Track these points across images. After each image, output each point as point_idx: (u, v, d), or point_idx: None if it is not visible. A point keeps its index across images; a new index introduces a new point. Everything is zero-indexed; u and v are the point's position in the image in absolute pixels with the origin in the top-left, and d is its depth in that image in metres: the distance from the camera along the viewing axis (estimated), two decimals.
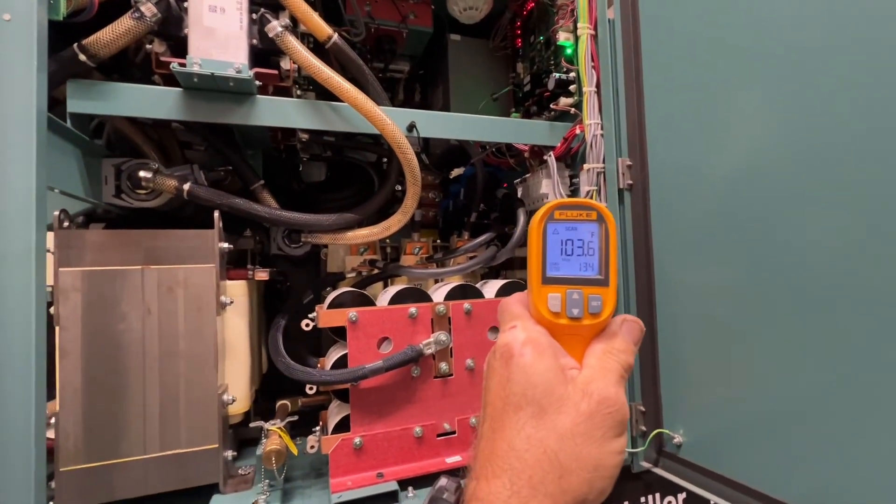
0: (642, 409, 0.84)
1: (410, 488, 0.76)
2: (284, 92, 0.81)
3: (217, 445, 0.73)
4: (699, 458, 0.75)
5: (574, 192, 0.99)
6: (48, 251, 0.70)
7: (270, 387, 1.08)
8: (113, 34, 0.66)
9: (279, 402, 0.96)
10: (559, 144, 0.95)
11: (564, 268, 0.39)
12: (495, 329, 0.87)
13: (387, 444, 0.78)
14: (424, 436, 0.81)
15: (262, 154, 1.05)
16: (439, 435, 0.82)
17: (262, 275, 0.86)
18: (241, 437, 0.91)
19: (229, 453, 0.77)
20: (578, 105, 0.92)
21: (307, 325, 0.80)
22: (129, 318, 0.70)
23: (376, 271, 1.03)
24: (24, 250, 0.54)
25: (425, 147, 1.03)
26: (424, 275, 0.99)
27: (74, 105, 0.65)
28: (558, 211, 0.39)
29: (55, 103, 0.66)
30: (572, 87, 0.94)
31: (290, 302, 0.96)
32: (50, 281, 0.70)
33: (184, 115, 0.70)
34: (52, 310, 0.68)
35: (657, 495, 0.91)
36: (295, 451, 0.76)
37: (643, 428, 0.84)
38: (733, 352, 0.69)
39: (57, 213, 0.68)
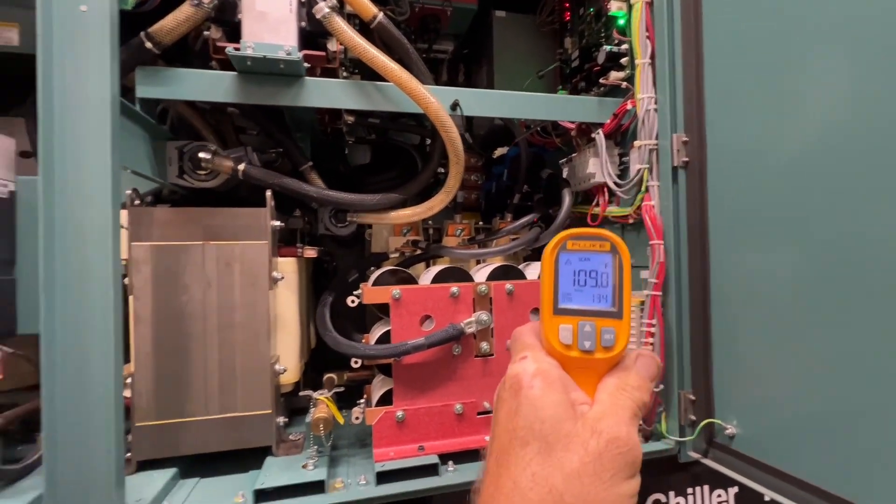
0: (692, 397, 0.81)
1: (451, 462, 0.77)
2: (331, 73, 0.82)
3: (270, 411, 0.78)
4: (755, 451, 0.71)
5: (624, 171, 0.95)
6: (122, 227, 0.77)
7: (317, 361, 1.13)
8: (175, 21, 0.69)
9: (326, 376, 1.00)
10: (609, 121, 0.91)
11: (577, 299, 0.38)
12: (537, 311, 0.86)
13: (428, 419, 0.80)
14: (465, 413, 0.82)
15: (311, 138, 1.08)
16: (479, 413, 0.83)
17: (311, 252, 0.90)
18: (292, 406, 0.97)
19: (281, 419, 0.82)
20: (630, 79, 0.87)
21: (352, 301, 0.83)
22: (192, 289, 0.75)
23: (419, 252, 1.04)
24: (102, 225, 0.59)
25: (468, 128, 1.02)
26: (466, 255, 0.99)
27: (143, 91, 0.70)
28: (571, 241, 0.38)
29: (125, 91, 0.71)
30: (624, 60, 0.89)
31: (336, 280, 1.00)
32: (124, 254, 0.76)
33: (238, 98, 0.73)
34: (125, 280, 0.75)
35: (705, 488, 0.87)
36: (341, 420, 0.80)
37: (692, 417, 0.81)
38: (798, 343, 0.65)
39: (129, 191, 0.74)
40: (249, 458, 0.79)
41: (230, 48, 0.69)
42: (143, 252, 0.74)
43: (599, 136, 0.91)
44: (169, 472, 0.73)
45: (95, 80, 0.59)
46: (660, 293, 0.80)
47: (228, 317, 0.76)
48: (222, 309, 0.76)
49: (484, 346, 0.83)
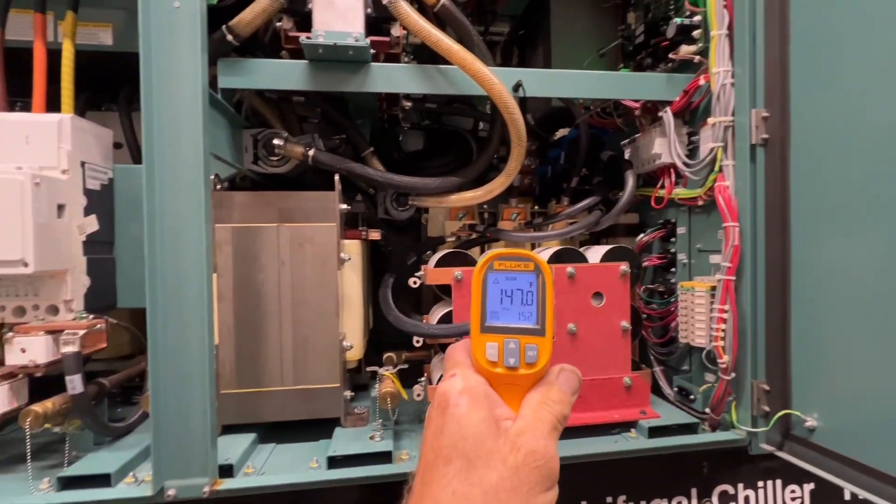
0: (766, 387, 0.77)
1: None
2: (394, 59, 0.84)
3: (339, 385, 0.82)
4: (839, 445, 0.67)
5: (693, 150, 0.90)
6: None
7: (374, 342, 1.17)
8: (252, 13, 0.73)
9: (386, 355, 1.04)
10: (678, 98, 0.86)
11: (504, 317, 0.39)
12: (599, 295, 0.85)
13: None
14: None
15: (370, 127, 1.11)
16: None
17: (375, 234, 0.93)
18: (355, 382, 1.01)
19: (348, 393, 0.86)
20: (704, 52, 0.83)
21: (414, 282, 0.85)
22: (267, 269, 0.80)
23: (475, 235, 1.05)
24: (195, 207, 0.64)
25: (523, 110, 1.01)
26: (523, 239, 0.99)
27: (225, 81, 0.75)
28: (498, 261, 0.39)
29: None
30: (696, 33, 0.85)
31: (394, 261, 1.03)
32: None
33: (310, 85, 0.76)
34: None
35: (778, 482, 0.83)
36: (405, 395, 0.83)
37: (766, 408, 0.77)
38: (891, 333, 0.60)
39: (212, 177, 0.79)
40: (318, 429, 0.84)
41: (303, 37, 0.72)
42: (224, 233, 0.79)
43: (667, 114, 0.87)
44: (249, 437, 0.79)
45: (188, 72, 0.63)
46: (733, 278, 0.77)
47: (301, 295, 0.81)
48: (295, 287, 0.81)
49: None
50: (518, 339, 0.38)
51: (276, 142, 0.82)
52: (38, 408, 0.67)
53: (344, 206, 0.83)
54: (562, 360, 0.83)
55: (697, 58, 0.83)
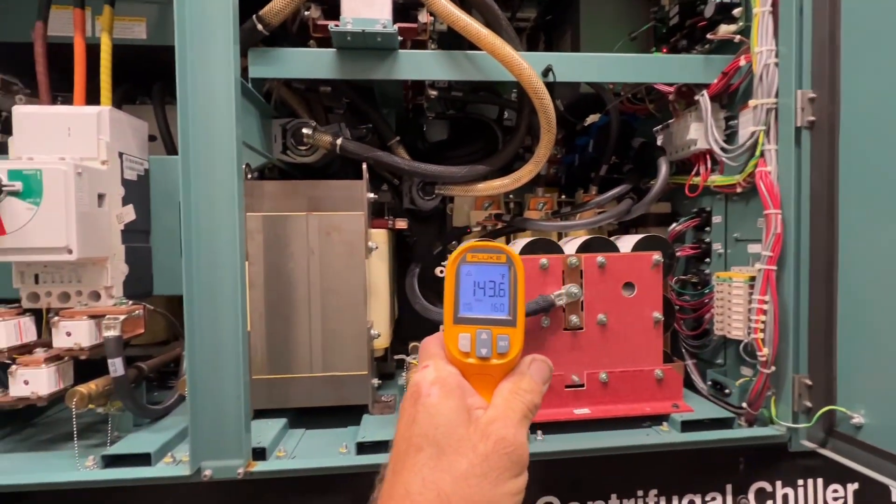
0: (808, 382, 0.74)
1: (539, 432, 0.78)
2: (421, 46, 0.83)
3: (367, 372, 0.83)
4: (890, 443, 0.64)
5: (730, 135, 0.87)
6: None
7: (399, 332, 1.18)
8: (282, 3, 0.73)
9: (412, 344, 1.04)
10: (716, 81, 0.83)
11: (476, 308, 0.39)
12: (630, 285, 0.83)
13: None
14: (553, 385, 0.81)
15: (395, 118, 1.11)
16: (567, 386, 0.82)
17: (402, 223, 0.93)
18: (382, 370, 1.02)
19: (375, 381, 0.87)
20: (745, 31, 0.79)
21: (441, 271, 0.85)
22: (297, 257, 0.81)
23: (501, 225, 1.03)
24: (228, 195, 0.65)
25: (552, 97, 0.98)
26: (550, 228, 0.97)
27: (255, 71, 0.76)
28: (471, 254, 0.40)
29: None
30: (737, 11, 0.81)
31: (420, 252, 1.03)
32: None
33: (339, 74, 0.76)
34: None
35: (819, 481, 0.80)
36: None
37: (808, 403, 0.74)
38: None
39: (243, 166, 0.80)
40: (346, 415, 0.85)
41: (331, 25, 0.72)
42: (255, 222, 0.80)
43: (704, 97, 0.84)
44: (280, 422, 0.81)
45: (221, 62, 0.64)
46: (774, 267, 0.73)
47: (329, 283, 0.82)
48: (324, 276, 0.81)
49: (573, 319, 0.81)
50: (490, 330, 0.38)
51: (304, 131, 0.83)
52: (83, 389, 0.70)
53: (371, 195, 0.83)
54: (592, 352, 0.81)
55: (738, 37, 0.79)
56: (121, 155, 0.80)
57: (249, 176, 0.81)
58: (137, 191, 0.83)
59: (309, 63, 0.76)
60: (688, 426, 0.79)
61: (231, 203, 0.65)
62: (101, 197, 0.76)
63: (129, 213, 0.82)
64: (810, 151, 0.72)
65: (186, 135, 0.64)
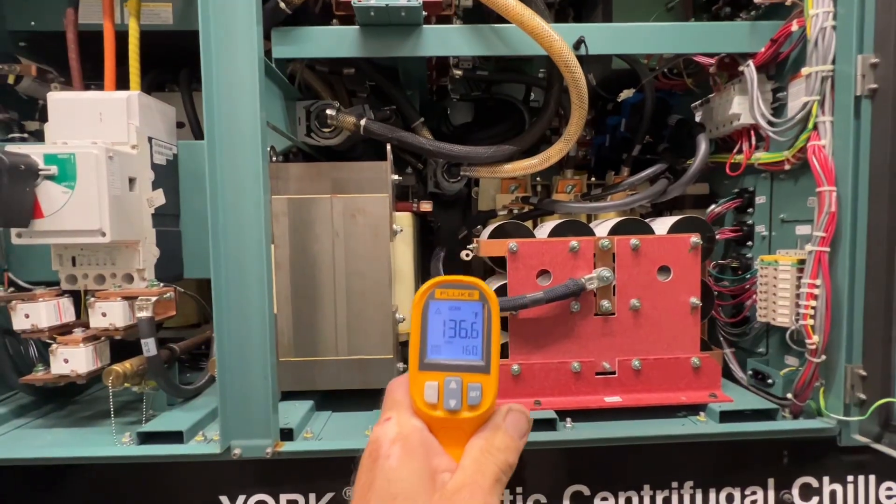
0: (862, 373, 0.69)
1: (569, 419, 0.75)
2: (445, 21, 0.80)
3: (392, 356, 0.82)
4: None
5: (778, 108, 0.81)
6: None
7: None
8: None
9: None
10: (764, 49, 0.77)
11: (446, 351, 0.36)
12: (666, 269, 0.79)
13: (544, 375, 0.79)
14: (582, 372, 0.79)
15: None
16: (598, 373, 0.79)
17: (426, 206, 0.91)
18: (407, 355, 1.02)
19: (401, 365, 0.86)
20: None
21: (467, 255, 0.83)
22: (322, 239, 0.81)
23: (528, 208, 1.00)
24: (254, 177, 0.65)
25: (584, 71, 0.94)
26: (581, 210, 0.93)
27: (279, 51, 0.75)
28: (440, 289, 0.36)
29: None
30: None
31: (444, 235, 1.01)
32: None
33: (364, 52, 0.75)
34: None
35: (871, 478, 0.75)
36: None
37: (861, 395, 0.69)
38: None
39: (268, 148, 0.80)
40: (372, 399, 0.84)
41: (355, 0, 0.70)
42: (280, 204, 0.80)
43: (750, 68, 0.78)
44: (307, 404, 0.82)
45: (245, 42, 0.63)
46: (827, 249, 0.68)
47: (354, 266, 0.81)
48: (349, 258, 0.81)
49: (605, 304, 0.78)
50: (460, 378, 0.35)
51: (328, 112, 0.82)
52: (118, 368, 0.72)
53: (396, 177, 0.82)
54: (625, 338, 0.78)
55: (789, 0, 0.73)
56: (150, 139, 0.81)
57: (274, 159, 0.81)
58: (167, 175, 0.84)
59: (332, 41, 0.75)
60: (727, 416, 0.75)
61: (256, 184, 0.64)
62: (131, 181, 0.77)
63: (159, 197, 0.83)
64: (871, 123, 0.66)
65: (212, 117, 0.64)
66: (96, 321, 0.73)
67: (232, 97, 0.63)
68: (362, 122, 0.82)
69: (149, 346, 0.72)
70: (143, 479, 0.72)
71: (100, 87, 0.82)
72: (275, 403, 0.67)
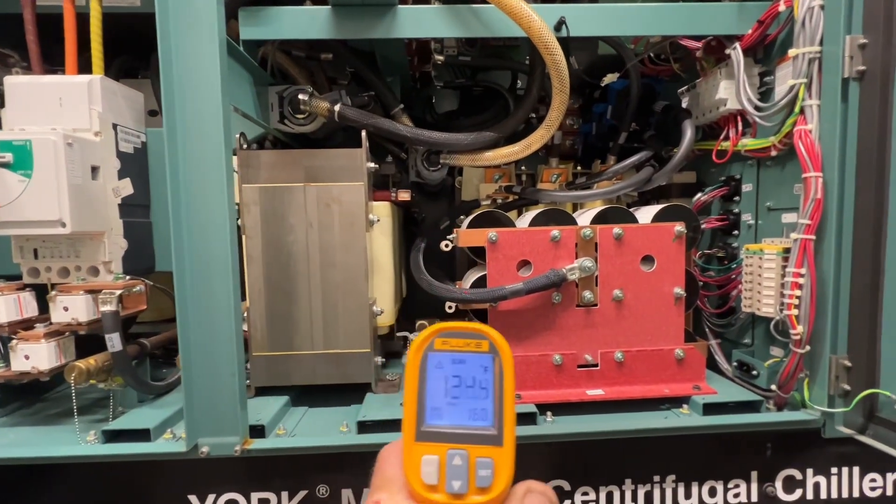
0: (847, 363, 0.67)
1: (549, 413, 0.74)
2: (422, 1, 0.77)
3: (369, 350, 0.80)
4: None
5: (765, 93, 0.78)
6: (234, 171, 0.80)
7: (408, 310, 1.15)
8: None
9: (418, 322, 1.01)
10: (750, 31, 0.74)
11: (448, 415, 0.29)
12: (650, 259, 0.77)
13: (524, 368, 0.77)
14: (564, 364, 0.77)
15: (400, 85, 1.05)
16: (580, 366, 0.78)
17: (405, 195, 0.88)
18: (387, 349, 0.99)
19: (379, 359, 0.84)
20: None
21: (446, 245, 0.80)
22: (296, 230, 0.78)
23: (512, 198, 0.98)
24: (216, 162, 0.62)
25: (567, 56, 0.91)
26: (565, 199, 0.91)
27: (246, 32, 0.71)
28: (441, 339, 0.30)
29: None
30: None
31: (426, 226, 0.98)
32: (236, 198, 0.81)
33: (335, 33, 0.71)
34: (239, 222, 0.79)
35: (855, 469, 0.74)
36: None
37: (846, 387, 0.68)
38: None
39: (237, 135, 0.77)
40: (350, 394, 0.82)
41: None
42: (252, 193, 0.77)
43: (736, 50, 0.76)
44: (282, 400, 0.79)
45: (205, 23, 0.60)
46: (812, 237, 0.66)
47: (329, 257, 0.78)
48: (324, 249, 0.78)
49: (587, 294, 0.76)
50: (466, 451, 0.28)
51: (301, 97, 0.79)
52: (81, 364, 0.69)
53: (371, 165, 0.79)
54: (607, 330, 0.75)
55: None
56: (115, 126, 0.77)
57: (245, 146, 0.78)
58: (135, 164, 0.81)
59: (303, 22, 0.72)
60: (710, 409, 0.73)
61: (220, 173, 0.61)
62: (94, 169, 0.74)
63: (127, 187, 0.79)
64: (858, 106, 0.64)
65: (171, 101, 0.60)
66: (58, 316, 0.70)
67: (192, 80, 0.60)
68: (336, 107, 0.78)
69: (113, 342, 0.69)
70: (110, 479, 0.70)
71: (64, 72, 0.78)
72: (243, 399, 0.64)
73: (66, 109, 0.73)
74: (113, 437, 0.69)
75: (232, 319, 0.63)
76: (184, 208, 0.62)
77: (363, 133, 0.78)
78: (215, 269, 0.62)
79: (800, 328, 0.67)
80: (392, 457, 0.31)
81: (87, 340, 0.75)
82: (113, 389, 0.75)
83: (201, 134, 0.61)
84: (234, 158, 0.78)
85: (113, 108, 0.77)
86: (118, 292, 0.70)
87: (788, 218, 0.76)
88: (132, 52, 0.97)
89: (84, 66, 0.77)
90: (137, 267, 0.80)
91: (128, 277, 0.75)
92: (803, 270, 0.67)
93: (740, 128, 0.82)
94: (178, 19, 0.60)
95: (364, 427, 0.70)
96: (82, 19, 0.76)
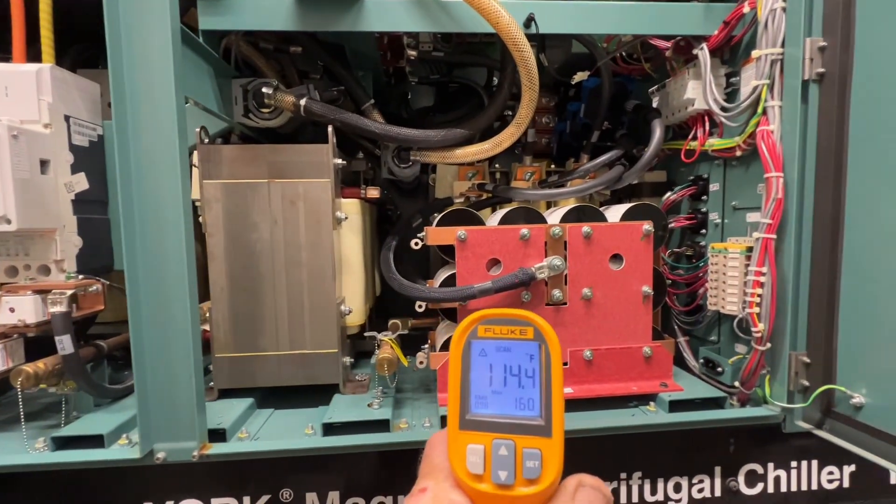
0: (806, 360, 0.69)
1: None
2: None
3: (337, 350, 0.78)
4: (892, 425, 0.59)
5: (731, 94, 0.79)
6: (194, 166, 0.78)
7: (382, 310, 1.13)
8: None
9: (391, 321, 1.00)
10: (716, 32, 0.75)
11: (494, 404, 0.29)
12: (618, 257, 0.77)
13: None
14: None
15: (373, 80, 1.03)
16: None
17: (374, 192, 0.87)
18: (358, 349, 0.98)
19: (347, 359, 0.82)
20: None
21: (416, 243, 0.79)
22: (260, 228, 0.76)
23: (486, 196, 0.97)
24: (170, 158, 0.59)
25: (540, 53, 0.90)
26: (537, 197, 0.91)
27: (206, 22, 0.68)
28: (483, 326, 0.29)
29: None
30: None
31: (399, 224, 0.97)
32: (196, 195, 0.78)
33: (299, 25, 0.69)
34: (201, 219, 0.77)
35: (814, 463, 0.76)
36: (405, 361, 0.78)
37: (804, 382, 0.69)
38: None
39: (198, 129, 0.74)
40: (318, 395, 0.81)
41: None
42: (213, 190, 0.75)
43: (703, 51, 0.76)
44: (246, 402, 0.77)
45: (156, 5, 0.57)
46: (773, 236, 0.67)
47: (295, 255, 0.76)
48: (289, 247, 0.76)
49: (556, 293, 0.76)
50: (512, 441, 0.27)
51: (265, 90, 0.76)
52: (29, 368, 0.66)
53: (339, 161, 0.77)
54: (576, 328, 0.75)
55: None
56: (67, 118, 0.74)
57: (206, 140, 0.75)
58: (90, 158, 0.77)
59: (265, 12, 0.69)
60: (676, 406, 0.74)
61: (174, 168, 0.59)
62: (44, 163, 0.70)
63: (81, 182, 0.76)
64: (818, 108, 0.65)
65: (121, 92, 0.58)
66: (4, 317, 0.66)
67: (144, 69, 0.57)
68: (302, 102, 0.76)
69: (64, 344, 0.66)
70: (63, 487, 0.67)
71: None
72: (200, 402, 0.62)
73: (13, 99, 0.70)
74: (64, 443, 0.66)
75: (188, 319, 0.60)
76: (136, 203, 0.59)
77: (330, 128, 0.76)
78: (170, 268, 0.60)
79: (761, 325, 0.68)
80: (440, 444, 0.30)
81: (42, 343, 0.72)
82: (65, 394, 0.72)
83: (153, 126, 0.58)
84: (195, 153, 0.75)
85: (65, 98, 0.74)
86: (69, 292, 0.67)
87: (753, 217, 0.77)
88: (92, 40, 0.93)
89: (37, 55, 0.73)
90: (94, 266, 0.77)
91: (81, 277, 0.72)
92: (765, 269, 0.68)
93: (707, 128, 0.83)
94: (127, 3, 0.57)
95: (330, 429, 0.69)
96: (34, 3, 0.72)
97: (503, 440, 0.28)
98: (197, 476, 0.67)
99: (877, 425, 0.61)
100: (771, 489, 0.75)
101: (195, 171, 0.77)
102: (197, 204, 0.77)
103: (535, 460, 0.27)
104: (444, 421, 0.70)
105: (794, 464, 0.76)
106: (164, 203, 0.59)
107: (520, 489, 0.27)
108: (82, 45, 0.93)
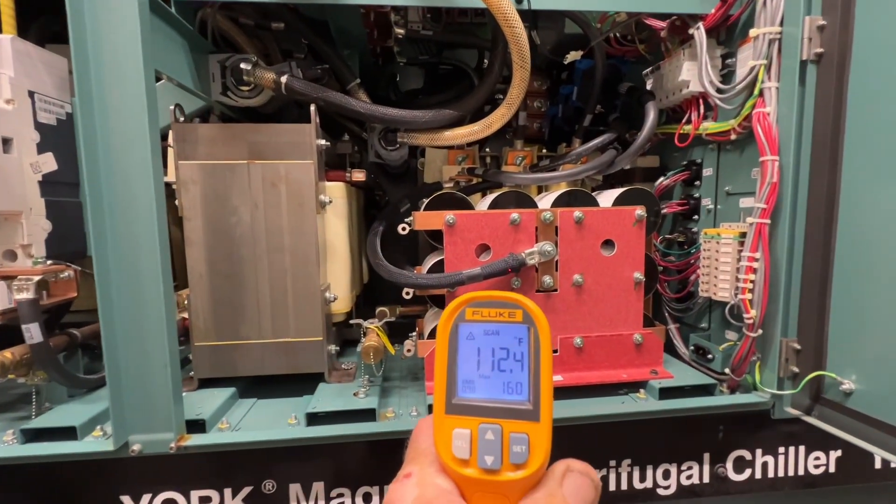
0: (796, 346, 0.68)
1: None
2: None
3: (322, 338, 0.76)
4: (881, 411, 0.59)
5: (727, 75, 0.77)
6: (169, 146, 0.74)
7: (370, 297, 1.11)
8: None
9: (378, 309, 0.97)
10: (713, 11, 0.73)
11: (482, 388, 0.28)
12: (610, 243, 0.75)
13: None
14: None
15: (360, 60, 1.00)
16: None
17: (359, 175, 0.84)
18: (344, 337, 0.96)
19: (333, 347, 0.80)
20: None
21: (403, 228, 0.77)
22: (240, 211, 0.73)
23: (475, 180, 0.95)
24: (140, 136, 0.56)
25: (533, 31, 0.87)
26: (528, 181, 0.89)
27: None
28: (471, 308, 0.29)
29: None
30: None
31: (387, 209, 0.94)
32: (172, 177, 0.74)
33: None
34: (177, 202, 0.73)
35: (801, 448, 0.76)
36: (392, 350, 0.77)
37: (794, 369, 0.69)
38: None
39: (172, 107, 0.70)
40: (303, 384, 0.78)
41: None
42: (189, 171, 0.71)
43: (699, 31, 0.74)
44: (228, 392, 0.75)
45: None
46: (768, 221, 0.66)
47: (277, 240, 0.73)
48: (271, 232, 0.73)
49: (547, 279, 0.74)
50: (499, 425, 0.27)
51: (243, 66, 0.72)
52: None
53: (322, 142, 0.74)
54: (567, 315, 0.73)
55: None
56: (32, 94, 0.69)
57: (181, 119, 0.72)
58: (59, 137, 0.73)
59: None
60: (666, 393, 0.74)
61: (144, 147, 0.55)
62: (7, 142, 0.66)
63: (49, 162, 0.72)
64: (815, 89, 0.63)
65: (85, 67, 0.54)
66: None
67: (109, 40, 0.54)
68: (283, 79, 0.73)
69: (31, 333, 0.63)
70: (33, 481, 0.64)
71: None
72: (177, 392, 0.60)
73: None
74: (34, 436, 0.63)
75: (162, 307, 0.58)
76: (104, 184, 0.56)
77: (312, 107, 0.73)
78: (142, 253, 0.57)
79: (753, 312, 0.68)
80: (426, 429, 0.29)
81: (11, 332, 0.68)
82: (36, 384, 0.69)
83: (121, 102, 0.54)
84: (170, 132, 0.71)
85: (29, 73, 0.69)
86: (37, 278, 0.64)
87: (746, 202, 0.76)
88: (60, 12, 0.88)
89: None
90: (65, 251, 0.73)
91: (50, 262, 0.69)
92: (758, 255, 0.67)
93: (702, 111, 0.81)
94: None
95: (314, 419, 0.67)
96: None
97: (490, 424, 0.27)
98: (175, 468, 0.64)
99: (866, 411, 0.61)
100: (759, 475, 0.75)
101: (171, 151, 0.74)
102: (173, 186, 0.74)
103: (521, 445, 0.27)
104: (431, 409, 0.69)
105: (781, 450, 0.76)
106: (134, 184, 0.56)
107: (506, 474, 0.27)
108: (49, 17, 0.88)
